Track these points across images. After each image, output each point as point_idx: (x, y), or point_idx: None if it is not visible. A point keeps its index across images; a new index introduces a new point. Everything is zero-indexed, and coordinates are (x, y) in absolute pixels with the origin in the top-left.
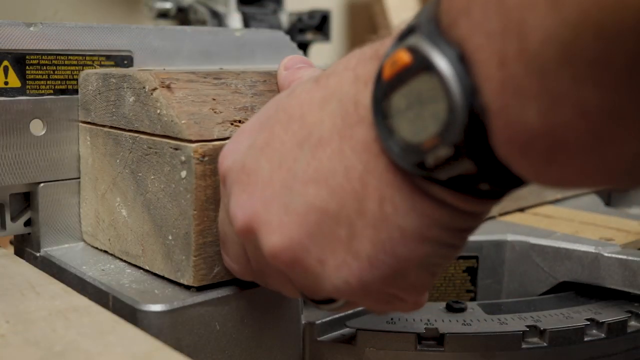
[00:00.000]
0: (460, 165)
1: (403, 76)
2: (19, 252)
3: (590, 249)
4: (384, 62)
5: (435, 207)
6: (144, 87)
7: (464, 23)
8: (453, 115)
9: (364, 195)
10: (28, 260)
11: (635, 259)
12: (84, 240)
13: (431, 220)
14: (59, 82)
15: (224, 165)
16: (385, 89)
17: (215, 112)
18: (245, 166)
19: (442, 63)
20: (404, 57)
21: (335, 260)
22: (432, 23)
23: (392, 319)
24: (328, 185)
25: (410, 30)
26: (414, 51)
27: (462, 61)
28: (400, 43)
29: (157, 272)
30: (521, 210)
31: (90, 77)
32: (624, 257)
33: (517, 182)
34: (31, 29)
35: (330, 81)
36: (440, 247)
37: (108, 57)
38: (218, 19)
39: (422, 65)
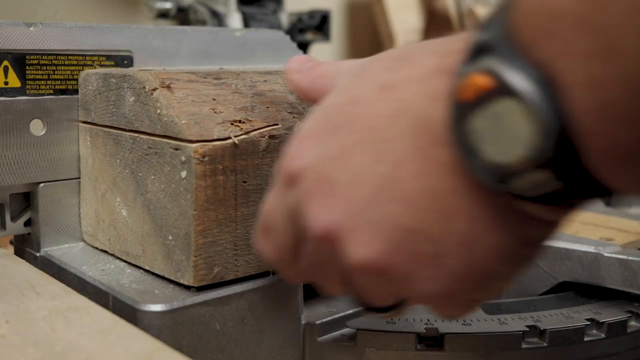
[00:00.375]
0: (550, 184)
1: (483, 100)
2: (19, 252)
3: (590, 249)
4: (458, 84)
5: (522, 220)
6: (144, 87)
7: (549, 44)
8: (542, 139)
9: (451, 215)
10: (28, 260)
11: (635, 259)
12: (84, 240)
13: (519, 232)
14: (59, 82)
15: (293, 167)
16: (463, 111)
17: (215, 112)
18: (323, 175)
19: (526, 87)
20: (483, 81)
21: (422, 274)
22: (508, 42)
23: (392, 319)
24: (413, 206)
25: (482, 49)
26: (494, 75)
27: (547, 84)
28: (474, 64)
29: (157, 272)
30: None
31: (90, 77)
32: (624, 257)
33: (607, 192)
34: (31, 29)
35: (395, 94)
36: (523, 259)
37: (108, 57)
38: (218, 19)
39: (503, 90)
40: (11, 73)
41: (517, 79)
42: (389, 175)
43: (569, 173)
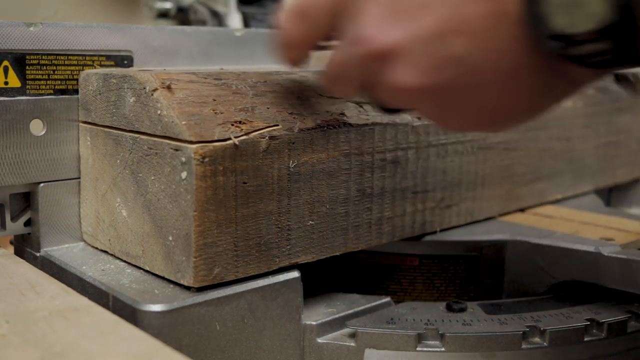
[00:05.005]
0: (607, 54)
1: None
2: (19, 252)
3: (590, 249)
4: None
5: (561, 81)
6: (144, 88)
7: None
8: (611, 17)
9: (502, 58)
10: (28, 260)
11: (635, 259)
12: (84, 241)
13: (550, 91)
14: (59, 82)
15: None
16: None
17: (215, 113)
18: None
19: None
20: None
21: (455, 101)
22: None
23: (392, 319)
24: (474, 41)
25: None
26: None
27: None
28: None
29: (157, 273)
30: (521, 210)
31: (90, 77)
32: (624, 257)
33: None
34: (31, 29)
35: None
36: (544, 106)
37: (108, 57)
38: (218, 19)
39: None
40: (11, 73)
41: None
42: (458, 9)
43: (626, 46)
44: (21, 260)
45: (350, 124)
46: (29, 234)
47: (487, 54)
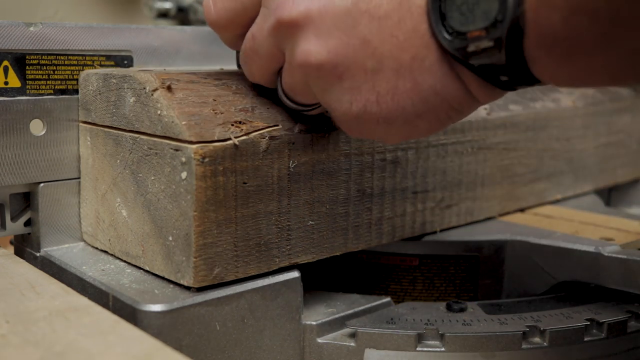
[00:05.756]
0: (494, 56)
1: None
2: (19, 252)
3: (590, 249)
4: None
5: (453, 83)
6: (144, 88)
7: None
8: (502, 16)
9: (403, 47)
10: (28, 260)
11: (635, 259)
12: (84, 240)
13: (442, 90)
14: (59, 82)
15: None
16: None
17: (216, 113)
18: None
19: None
20: None
21: (352, 83)
22: None
23: (392, 319)
24: (380, 25)
25: None
26: None
27: None
28: None
29: (157, 273)
30: (521, 210)
31: (90, 77)
32: (624, 257)
33: (529, 80)
34: (31, 29)
35: None
36: (432, 116)
37: (108, 57)
38: None
39: None
40: (11, 73)
41: None
42: None
43: (511, 50)
44: (21, 260)
45: None
46: (29, 234)
47: (391, 41)
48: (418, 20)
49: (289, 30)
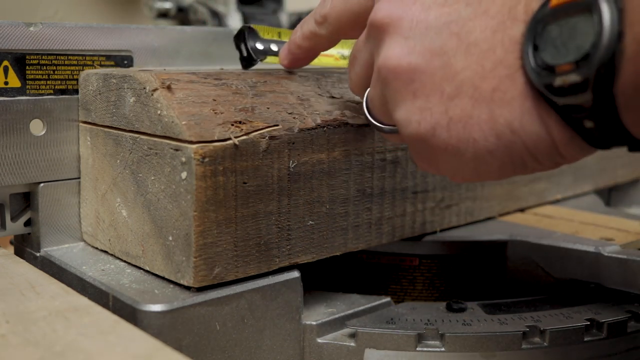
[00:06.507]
0: (581, 96)
1: (567, 9)
2: (19, 252)
3: (590, 249)
4: None
5: (533, 123)
6: (144, 88)
7: None
8: (595, 50)
9: (487, 76)
10: (28, 260)
11: (635, 259)
12: (84, 240)
13: (520, 129)
14: (59, 82)
15: None
16: (547, 14)
17: (215, 113)
18: None
19: (606, 10)
20: None
21: (424, 103)
22: None
23: (392, 319)
24: (468, 51)
25: None
26: None
27: (619, 9)
28: None
29: (157, 273)
30: (521, 210)
31: (90, 77)
32: (624, 257)
33: (619, 133)
34: (31, 29)
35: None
36: (505, 155)
37: (108, 57)
38: (218, 19)
39: (588, 6)
40: (11, 73)
41: (604, 3)
42: (465, 12)
43: (601, 90)
44: (21, 260)
45: (350, 124)
46: (29, 234)
47: (476, 68)
48: (509, 50)
49: (378, 32)
